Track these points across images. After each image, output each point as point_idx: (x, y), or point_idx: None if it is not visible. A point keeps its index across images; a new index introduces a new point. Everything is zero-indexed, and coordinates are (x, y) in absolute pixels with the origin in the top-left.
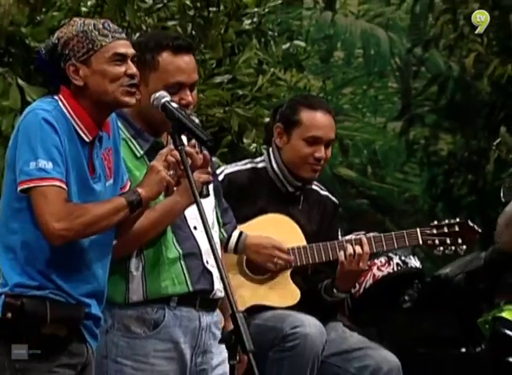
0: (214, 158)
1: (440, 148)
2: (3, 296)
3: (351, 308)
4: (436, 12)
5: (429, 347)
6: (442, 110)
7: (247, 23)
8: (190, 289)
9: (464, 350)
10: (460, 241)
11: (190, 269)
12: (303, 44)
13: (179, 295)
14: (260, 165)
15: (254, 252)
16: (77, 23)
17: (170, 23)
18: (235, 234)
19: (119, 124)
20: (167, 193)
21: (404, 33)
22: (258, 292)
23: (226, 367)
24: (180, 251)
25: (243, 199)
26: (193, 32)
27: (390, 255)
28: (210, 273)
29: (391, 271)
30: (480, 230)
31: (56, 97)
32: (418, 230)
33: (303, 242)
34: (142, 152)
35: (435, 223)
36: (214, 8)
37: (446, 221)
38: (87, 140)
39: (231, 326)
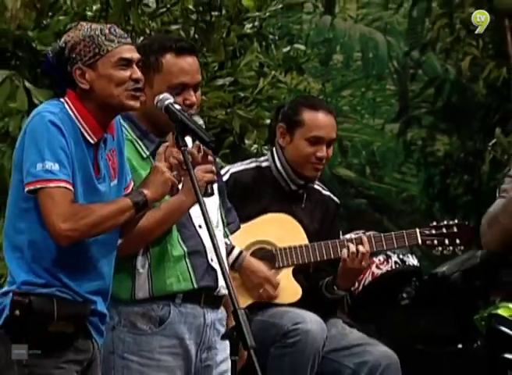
0: (216, 159)
1: (437, 148)
2: (11, 294)
3: (350, 306)
4: (433, 16)
5: (427, 343)
6: (438, 112)
7: (248, 27)
8: (195, 286)
9: (460, 346)
10: (458, 241)
11: (195, 266)
12: (303, 47)
13: (184, 292)
14: (264, 164)
15: (247, 276)
16: (84, 28)
17: (173, 27)
18: (235, 252)
19: (126, 126)
20: (171, 193)
21: (402, 37)
22: None
23: (230, 363)
24: (185, 249)
25: (247, 197)
26: (196, 36)
27: (389, 253)
28: (214, 271)
29: (389, 269)
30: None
31: (62, 99)
32: (418, 230)
33: (305, 241)
34: (148, 153)
35: (434, 223)
36: (216, 13)
37: (445, 222)
38: (92, 141)
39: (233, 323)
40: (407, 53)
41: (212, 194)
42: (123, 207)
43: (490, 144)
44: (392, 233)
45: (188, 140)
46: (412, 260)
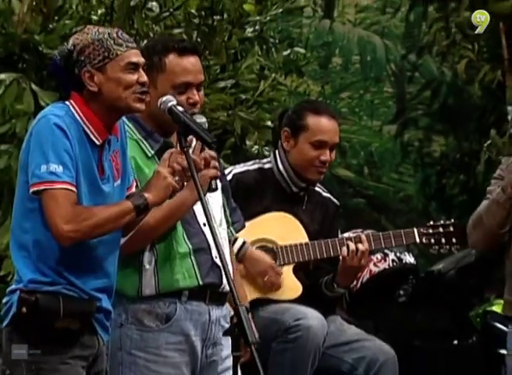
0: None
1: (433, 149)
2: (18, 292)
3: (349, 302)
4: (429, 20)
5: (423, 339)
6: (435, 114)
7: (249, 31)
8: (200, 282)
9: (456, 342)
10: (454, 240)
11: (200, 263)
12: (302, 50)
13: (189, 289)
14: (266, 166)
15: (250, 265)
16: (92, 31)
17: (176, 31)
18: (239, 242)
19: (131, 126)
20: (170, 196)
21: (399, 41)
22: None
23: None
24: (190, 246)
25: (249, 198)
26: (199, 39)
27: (386, 251)
28: (218, 268)
29: (387, 267)
30: None
31: (67, 102)
32: (415, 229)
33: (305, 239)
34: (153, 152)
35: (431, 223)
36: (218, 17)
37: (442, 222)
38: (97, 143)
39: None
40: (404, 56)
41: (216, 189)
42: (124, 210)
43: (485, 144)
44: (391, 232)
45: (193, 140)
46: (409, 258)
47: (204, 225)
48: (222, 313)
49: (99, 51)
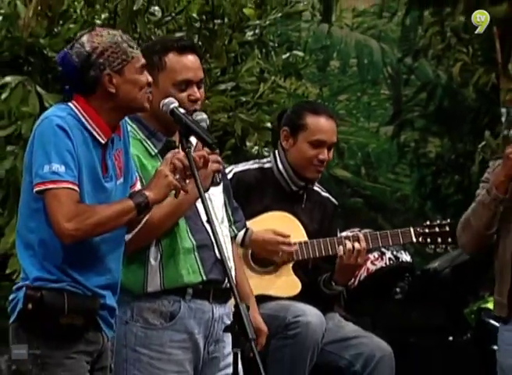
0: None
1: (429, 150)
2: (24, 289)
3: (347, 300)
4: (425, 24)
5: (419, 335)
6: (430, 115)
7: (249, 35)
8: (204, 278)
9: (451, 338)
10: (449, 240)
11: (203, 259)
12: (301, 54)
13: (193, 285)
14: (266, 165)
15: (259, 247)
16: (106, 34)
17: (178, 35)
18: (241, 231)
19: (134, 126)
20: (175, 196)
21: (395, 44)
22: (262, 283)
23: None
24: (194, 242)
25: (250, 196)
26: (200, 43)
27: (383, 250)
28: (222, 264)
29: (384, 265)
30: None
31: (70, 104)
32: (412, 229)
33: (304, 238)
34: (156, 151)
35: (428, 223)
36: (218, 21)
37: (438, 222)
38: (102, 141)
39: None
40: (401, 59)
41: (219, 183)
42: (126, 208)
43: (480, 146)
44: (388, 231)
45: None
46: (405, 257)
47: (207, 222)
48: (225, 311)
49: (117, 54)
